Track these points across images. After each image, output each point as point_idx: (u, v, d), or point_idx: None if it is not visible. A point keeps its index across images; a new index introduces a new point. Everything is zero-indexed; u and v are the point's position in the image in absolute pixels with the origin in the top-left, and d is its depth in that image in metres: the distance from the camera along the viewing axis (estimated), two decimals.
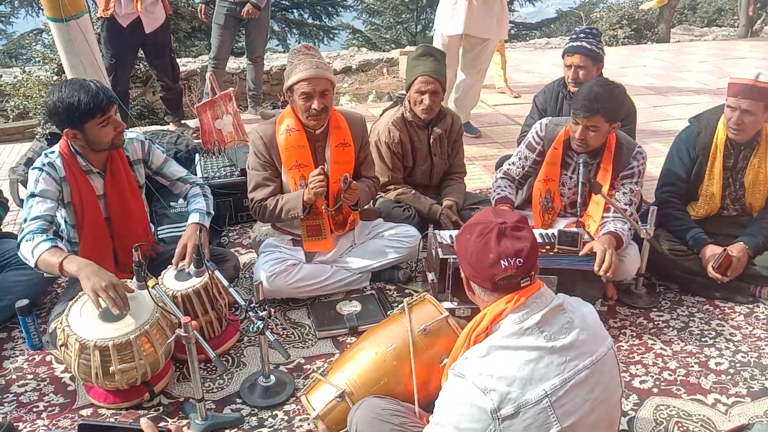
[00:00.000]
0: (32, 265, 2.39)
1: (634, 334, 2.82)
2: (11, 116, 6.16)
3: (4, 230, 3.17)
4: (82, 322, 2.28)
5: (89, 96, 2.42)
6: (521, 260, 1.61)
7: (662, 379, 2.54)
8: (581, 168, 2.84)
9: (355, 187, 2.85)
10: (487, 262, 1.62)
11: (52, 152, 2.60)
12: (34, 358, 2.64)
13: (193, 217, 2.72)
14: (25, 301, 2.61)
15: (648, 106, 6.27)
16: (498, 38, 4.96)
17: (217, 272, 2.40)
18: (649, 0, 9.87)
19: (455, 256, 2.61)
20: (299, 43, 15.05)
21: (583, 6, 15.65)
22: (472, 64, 4.96)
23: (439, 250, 2.70)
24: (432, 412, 1.71)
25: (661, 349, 2.73)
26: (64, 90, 2.44)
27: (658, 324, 2.90)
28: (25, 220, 2.48)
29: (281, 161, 2.91)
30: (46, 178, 2.53)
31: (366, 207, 3.34)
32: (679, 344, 2.76)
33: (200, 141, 4.32)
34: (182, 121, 5.49)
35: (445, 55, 3.33)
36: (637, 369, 2.60)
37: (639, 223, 2.88)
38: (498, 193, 3.11)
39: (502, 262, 1.61)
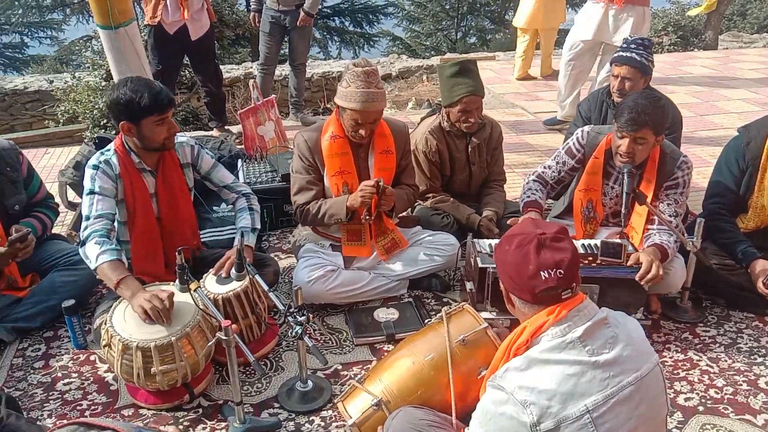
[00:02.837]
0: (91, 267, 2.47)
1: (679, 349, 2.75)
2: (61, 120, 6.35)
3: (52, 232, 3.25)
4: (126, 323, 2.33)
5: (152, 93, 2.52)
6: (561, 272, 1.57)
7: (708, 397, 2.47)
8: (625, 178, 2.78)
9: (390, 193, 2.86)
10: (526, 273, 1.59)
11: (108, 150, 2.68)
12: (79, 358, 2.71)
13: (238, 238, 2.74)
14: (72, 302, 2.68)
15: (694, 114, 6.12)
16: None
17: (257, 276, 2.42)
18: (697, 6, 9.64)
19: (495, 265, 2.58)
20: (340, 51, 15.19)
21: None
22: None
23: (478, 259, 2.68)
24: (469, 425, 1.69)
25: (707, 365, 2.65)
26: (129, 85, 2.53)
27: (704, 339, 2.82)
28: (87, 218, 2.55)
29: (324, 166, 2.94)
30: (102, 176, 2.60)
31: (404, 214, 3.34)
32: (726, 361, 2.67)
33: (243, 147, 4.38)
34: (225, 127, 5.59)
35: (477, 64, 3.31)
36: (682, 385, 2.53)
37: (685, 235, 2.81)
38: (528, 197, 3.06)
39: (541, 273, 1.57)
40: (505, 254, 1.65)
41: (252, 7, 5.76)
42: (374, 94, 2.74)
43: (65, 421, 1.68)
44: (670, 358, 2.69)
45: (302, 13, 5.36)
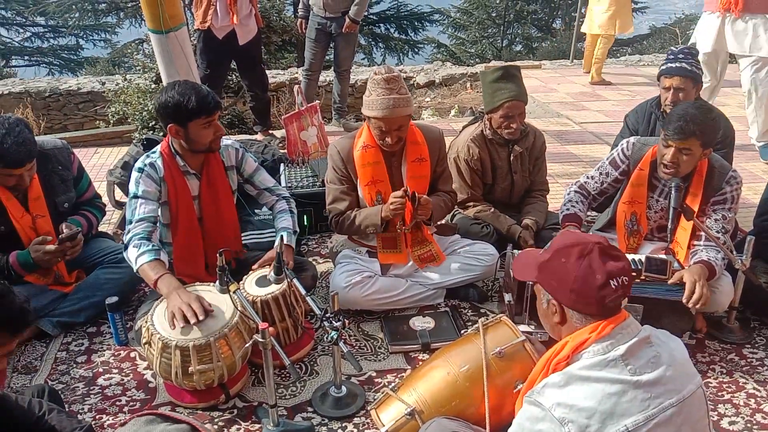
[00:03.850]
0: (134, 269, 2.54)
1: (724, 371, 2.66)
2: (111, 121, 6.53)
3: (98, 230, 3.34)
4: (166, 322, 2.37)
5: (200, 97, 2.58)
6: (627, 279, 1.55)
7: (755, 422, 2.38)
8: (673, 192, 2.70)
9: (425, 203, 2.84)
10: (595, 284, 1.53)
11: (154, 152, 2.75)
12: (120, 354, 2.77)
13: (280, 236, 2.79)
14: (115, 299, 2.75)
15: (746, 128, 5.90)
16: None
17: (295, 280, 2.44)
18: None
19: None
20: (384, 57, 15.24)
21: (679, 22, 15.06)
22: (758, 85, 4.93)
23: None
24: None
25: (754, 389, 2.55)
26: (177, 88, 2.60)
27: (752, 362, 2.72)
28: (130, 221, 2.63)
29: (357, 176, 2.94)
30: (146, 180, 2.67)
31: (443, 222, 3.32)
32: None
33: (286, 151, 4.43)
34: (270, 132, 5.66)
35: (521, 70, 3.26)
36: (726, 409, 2.44)
37: (734, 252, 2.71)
38: (568, 209, 3.00)
39: (611, 282, 1.53)
40: (564, 267, 1.58)
41: (299, 13, 5.84)
42: (397, 100, 2.73)
43: (145, 411, 1.72)
44: (715, 379, 2.60)
45: (347, 20, 5.40)
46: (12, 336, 1.63)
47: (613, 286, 1.53)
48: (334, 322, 2.23)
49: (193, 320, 2.30)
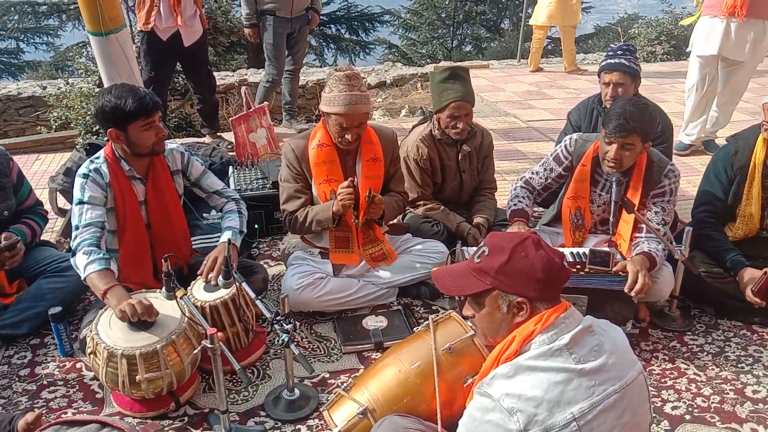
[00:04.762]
0: (81, 277, 2.48)
1: (667, 358, 2.75)
2: (53, 127, 6.33)
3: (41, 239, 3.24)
4: (111, 331, 2.32)
5: (136, 98, 2.52)
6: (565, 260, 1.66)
7: (695, 406, 2.46)
8: (614, 186, 2.79)
9: (379, 201, 2.86)
10: (557, 266, 1.60)
11: (98, 158, 2.68)
12: (65, 365, 2.69)
13: (226, 235, 2.77)
14: (59, 309, 2.67)
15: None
16: (753, 63, 4.89)
17: (244, 284, 2.41)
18: (690, 15, 9.69)
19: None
20: (335, 58, 15.21)
21: (621, 22, 15.46)
22: (725, 86, 5.01)
23: None
24: None
25: (694, 374, 2.65)
26: (114, 92, 2.54)
27: (692, 348, 2.82)
28: (77, 227, 2.56)
29: (312, 175, 2.93)
30: (92, 185, 2.60)
31: (394, 222, 3.34)
32: (713, 370, 2.67)
33: (234, 154, 4.37)
34: (218, 134, 5.57)
35: (468, 71, 3.30)
36: (669, 394, 2.52)
37: (673, 243, 2.81)
38: (515, 204, 3.07)
39: (564, 262, 1.63)
40: (527, 261, 1.58)
41: (247, 23, 5.61)
42: (358, 97, 2.75)
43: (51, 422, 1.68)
44: (658, 366, 2.69)
45: (313, 15, 5.41)
46: None
47: (566, 265, 1.63)
48: (284, 324, 2.21)
49: (143, 316, 2.28)
